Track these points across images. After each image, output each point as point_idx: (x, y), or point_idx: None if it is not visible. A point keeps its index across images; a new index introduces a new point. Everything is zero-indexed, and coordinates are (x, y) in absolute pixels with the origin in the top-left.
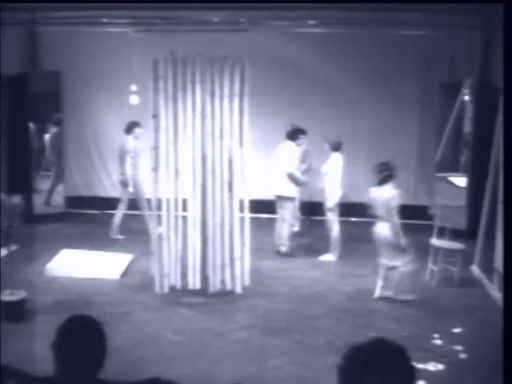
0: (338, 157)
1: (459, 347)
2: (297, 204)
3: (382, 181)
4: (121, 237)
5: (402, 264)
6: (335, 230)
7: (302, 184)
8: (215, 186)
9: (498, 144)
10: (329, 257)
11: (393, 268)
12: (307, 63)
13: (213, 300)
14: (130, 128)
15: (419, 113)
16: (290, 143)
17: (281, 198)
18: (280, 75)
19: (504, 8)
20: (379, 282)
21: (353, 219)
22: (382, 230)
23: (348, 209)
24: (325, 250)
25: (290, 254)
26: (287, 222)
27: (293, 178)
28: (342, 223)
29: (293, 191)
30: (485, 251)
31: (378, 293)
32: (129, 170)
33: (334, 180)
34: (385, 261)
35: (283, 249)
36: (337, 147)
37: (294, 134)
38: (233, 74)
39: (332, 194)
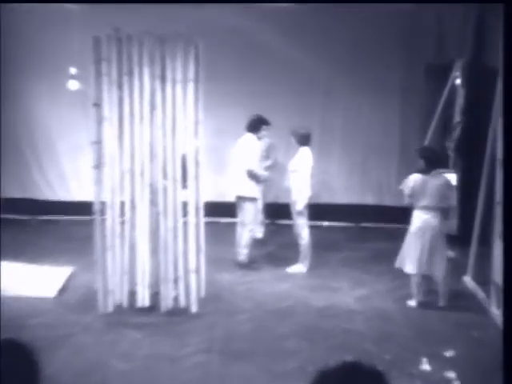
0: (306, 152)
1: (452, 373)
2: (260, 206)
3: (429, 167)
4: None
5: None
6: (305, 237)
7: (263, 181)
8: (167, 186)
9: (495, 134)
10: (298, 268)
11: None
12: (271, 44)
13: (165, 320)
14: None
15: (401, 100)
16: (251, 136)
17: (241, 198)
18: (240, 57)
19: (504, 8)
20: (416, 287)
21: (325, 223)
22: (433, 219)
23: (319, 211)
24: (293, 259)
25: (248, 265)
26: (247, 226)
27: (252, 175)
28: (312, 228)
29: (254, 191)
30: (479, 260)
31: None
32: None
33: (302, 178)
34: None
35: (241, 257)
36: (305, 141)
37: (256, 125)
38: (186, 56)
39: (300, 194)
